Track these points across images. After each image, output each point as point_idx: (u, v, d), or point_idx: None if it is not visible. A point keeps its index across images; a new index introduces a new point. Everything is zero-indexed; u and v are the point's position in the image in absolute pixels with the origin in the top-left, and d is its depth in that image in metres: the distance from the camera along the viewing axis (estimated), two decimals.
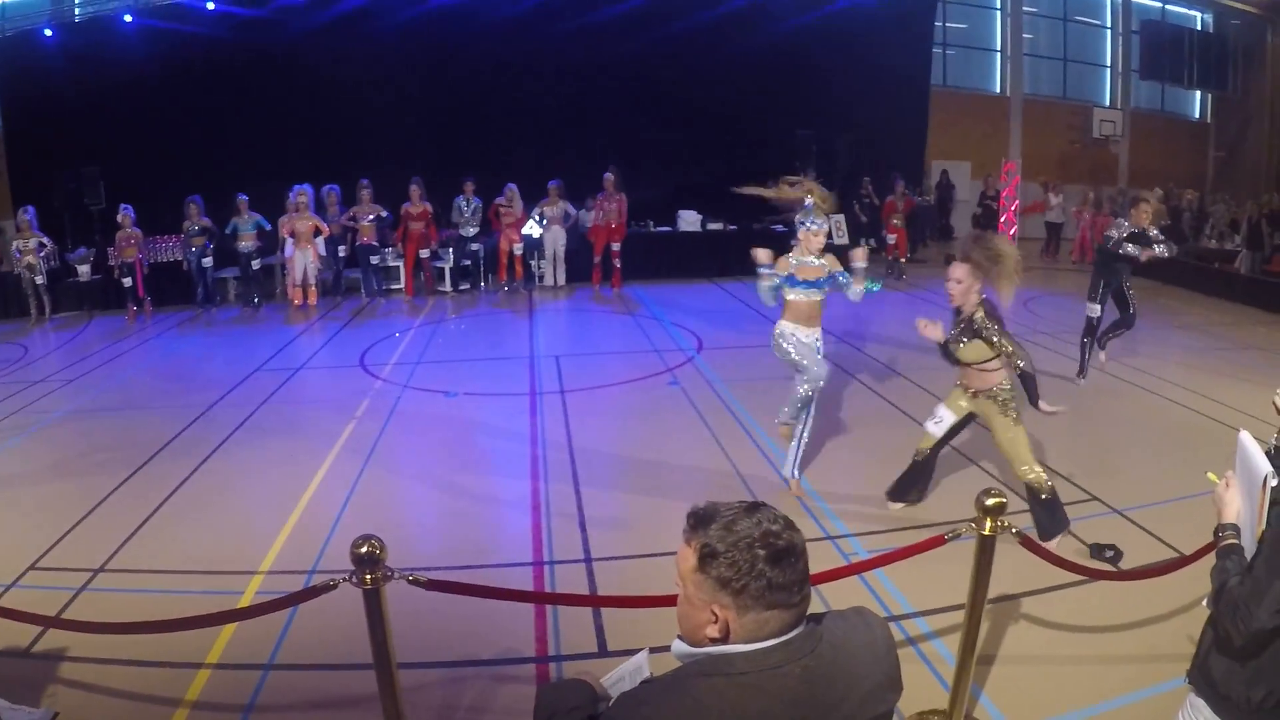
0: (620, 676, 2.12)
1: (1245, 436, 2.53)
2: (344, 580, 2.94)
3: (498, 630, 4.47)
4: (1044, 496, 5.26)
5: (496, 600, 4.37)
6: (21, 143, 16.00)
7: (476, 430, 7.70)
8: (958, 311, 5.36)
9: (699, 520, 1.71)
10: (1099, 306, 9.16)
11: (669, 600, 3.62)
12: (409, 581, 3.03)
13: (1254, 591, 2.25)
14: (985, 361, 5.31)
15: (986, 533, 3.41)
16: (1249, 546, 2.41)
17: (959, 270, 5.21)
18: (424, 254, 14.10)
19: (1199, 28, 23.41)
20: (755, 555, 1.61)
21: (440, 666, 4.20)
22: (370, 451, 7.15)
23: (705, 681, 1.64)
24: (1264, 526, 2.34)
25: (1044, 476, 5.29)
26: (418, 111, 16.21)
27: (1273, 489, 2.34)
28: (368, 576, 2.87)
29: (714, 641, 1.67)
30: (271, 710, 3.93)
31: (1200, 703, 2.53)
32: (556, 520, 5.86)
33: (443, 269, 14.16)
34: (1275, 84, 22.46)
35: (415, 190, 13.69)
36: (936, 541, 3.63)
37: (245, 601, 4.80)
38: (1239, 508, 2.49)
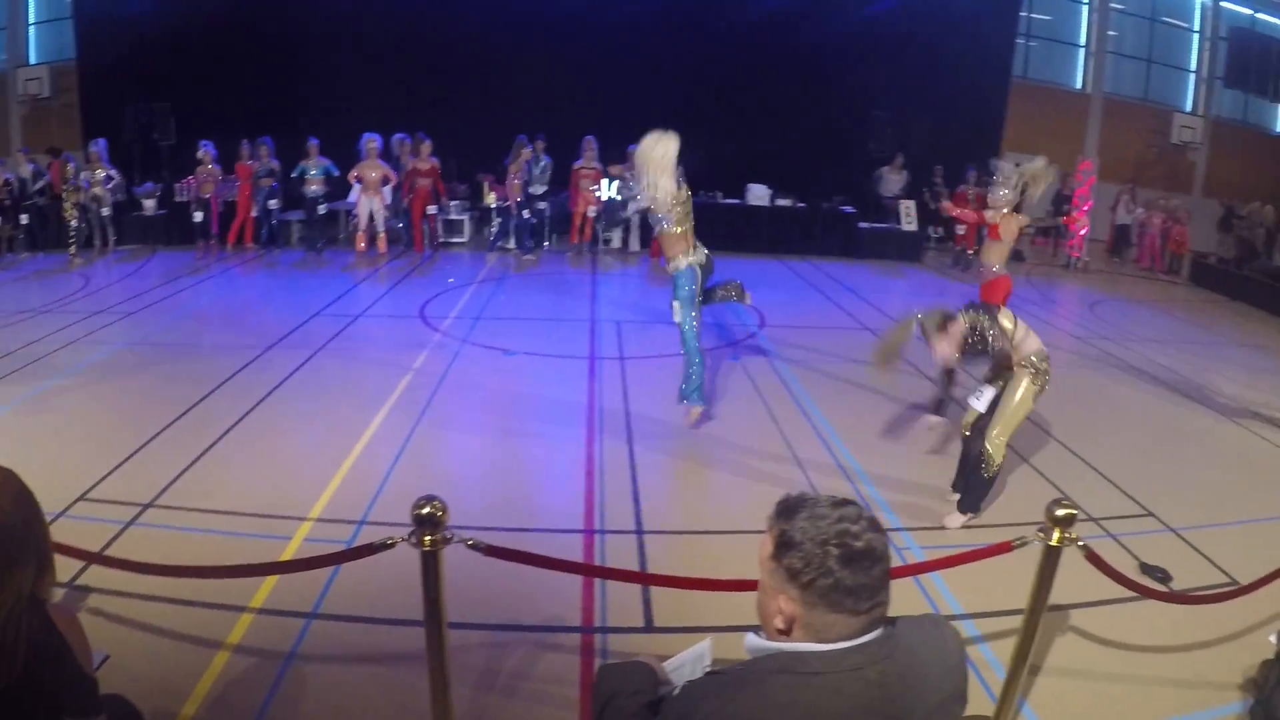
0: (682, 663, 2.11)
1: None
2: (402, 540, 2.86)
3: (544, 597, 4.39)
4: (987, 474, 5.35)
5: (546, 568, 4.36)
6: (94, 75, 16.15)
7: (533, 391, 7.63)
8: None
9: (786, 509, 1.68)
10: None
11: (722, 585, 3.53)
12: (468, 546, 2.94)
13: None
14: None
15: (1054, 543, 3.34)
16: None
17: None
18: (430, 210, 14.24)
19: None
20: (828, 552, 1.59)
21: (484, 629, 4.13)
22: (425, 405, 7.10)
23: (778, 678, 1.61)
24: None
25: (1003, 456, 5.36)
26: (490, 65, 16.16)
27: None
28: (427, 538, 2.79)
29: (780, 634, 1.66)
30: (314, 659, 3.87)
31: None
32: (610, 490, 5.74)
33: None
34: None
35: (425, 147, 13.81)
36: (1003, 548, 3.55)
37: (293, 547, 4.78)
38: None
